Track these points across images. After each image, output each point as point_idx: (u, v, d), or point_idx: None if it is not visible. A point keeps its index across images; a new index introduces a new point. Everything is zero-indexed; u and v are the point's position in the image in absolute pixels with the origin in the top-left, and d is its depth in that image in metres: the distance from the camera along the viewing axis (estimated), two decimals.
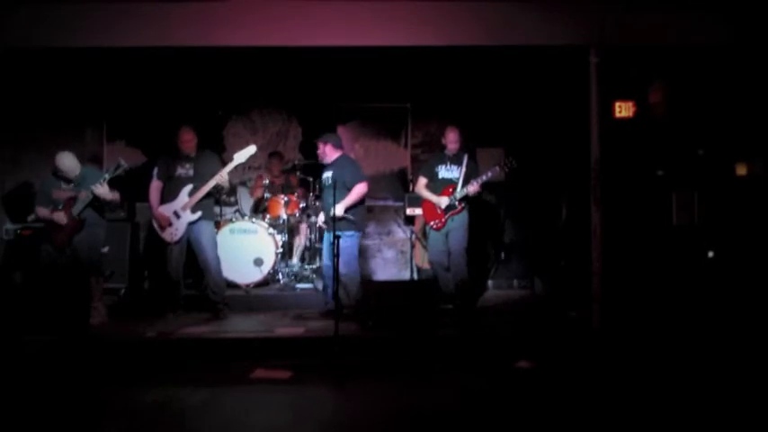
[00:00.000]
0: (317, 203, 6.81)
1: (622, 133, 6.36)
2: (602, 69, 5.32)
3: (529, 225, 7.47)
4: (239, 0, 5.37)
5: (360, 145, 7.89)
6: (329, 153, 5.83)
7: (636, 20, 5.35)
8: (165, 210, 5.73)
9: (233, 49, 5.64)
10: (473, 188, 5.77)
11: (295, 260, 7.12)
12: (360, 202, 5.73)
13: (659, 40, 5.46)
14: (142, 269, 7.02)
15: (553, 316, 5.92)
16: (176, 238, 5.68)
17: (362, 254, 6.07)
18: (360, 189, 5.64)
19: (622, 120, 6.58)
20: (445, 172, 5.96)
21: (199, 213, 5.70)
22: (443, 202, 5.86)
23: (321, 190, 6.15)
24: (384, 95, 7.78)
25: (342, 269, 5.37)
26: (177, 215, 5.71)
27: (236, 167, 5.81)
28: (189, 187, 5.73)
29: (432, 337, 5.09)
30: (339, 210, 5.41)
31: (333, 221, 5.25)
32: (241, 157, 5.73)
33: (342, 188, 5.47)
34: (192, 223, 5.71)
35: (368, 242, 7.66)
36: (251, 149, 5.79)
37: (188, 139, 5.82)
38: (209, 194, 5.79)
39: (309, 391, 4.20)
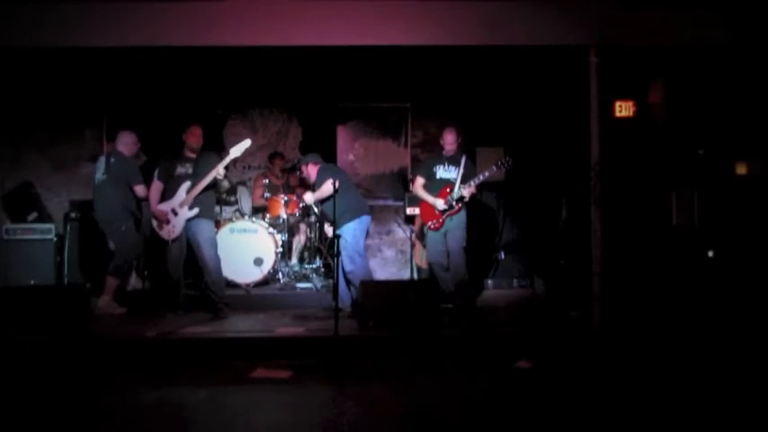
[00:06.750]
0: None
1: (622, 133, 6.36)
2: (602, 69, 5.32)
3: (529, 225, 7.47)
4: (239, 0, 5.37)
5: (360, 145, 7.90)
6: (311, 173, 6.04)
7: (636, 20, 5.35)
8: (164, 207, 5.75)
9: (233, 48, 5.63)
10: (468, 190, 5.75)
11: (295, 260, 7.13)
12: (348, 194, 5.76)
13: (659, 40, 5.46)
14: (142, 269, 7.02)
15: (553, 316, 5.92)
16: (173, 235, 5.68)
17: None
18: (323, 187, 5.72)
19: (622, 119, 6.58)
20: (443, 172, 5.95)
21: (196, 210, 5.69)
22: (440, 203, 5.84)
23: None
24: (384, 95, 7.78)
25: (346, 266, 5.42)
26: (175, 212, 5.72)
27: (236, 167, 5.80)
28: (187, 184, 5.73)
29: (431, 337, 5.09)
30: (308, 198, 5.93)
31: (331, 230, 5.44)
32: (236, 151, 5.72)
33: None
34: (189, 220, 5.71)
35: (368, 242, 7.64)
36: (245, 143, 5.77)
37: (196, 133, 5.86)
38: (209, 193, 5.80)
39: (309, 391, 4.20)
